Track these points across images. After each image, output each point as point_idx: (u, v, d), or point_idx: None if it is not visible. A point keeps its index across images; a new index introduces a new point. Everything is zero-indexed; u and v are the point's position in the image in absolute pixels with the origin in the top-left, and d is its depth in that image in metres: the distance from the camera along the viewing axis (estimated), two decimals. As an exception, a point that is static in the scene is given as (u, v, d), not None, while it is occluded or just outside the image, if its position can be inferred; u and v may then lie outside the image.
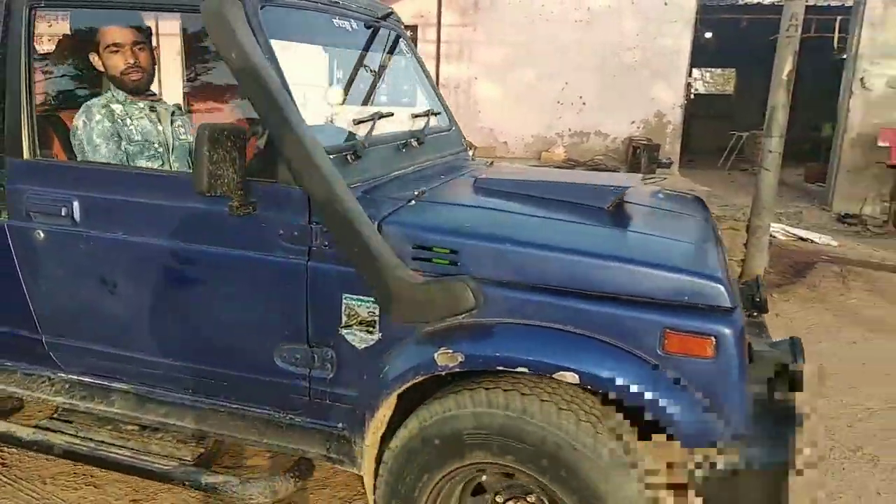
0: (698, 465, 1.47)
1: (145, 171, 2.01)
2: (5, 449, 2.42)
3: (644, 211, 2.05)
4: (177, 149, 2.24)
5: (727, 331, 1.45)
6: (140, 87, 2.14)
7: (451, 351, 1.55)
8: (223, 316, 1.84)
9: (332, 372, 1.75)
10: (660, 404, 1.45)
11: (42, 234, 1.92)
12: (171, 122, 2.24)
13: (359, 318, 1.69)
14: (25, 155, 1.93)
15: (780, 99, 4.55)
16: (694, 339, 1.47)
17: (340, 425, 1.80)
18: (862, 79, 8.27)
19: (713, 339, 1.45)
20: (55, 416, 2.11)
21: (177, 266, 1.84)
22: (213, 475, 1.88)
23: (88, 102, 2.11)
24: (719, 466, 1.46)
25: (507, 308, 1.57)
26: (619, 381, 1.46)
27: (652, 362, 1.48)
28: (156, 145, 2.15)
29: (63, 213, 1.88)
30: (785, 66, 4.47)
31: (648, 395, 1.45)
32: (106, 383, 2.02)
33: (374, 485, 1.75)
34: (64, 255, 1.93)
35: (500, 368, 1.55)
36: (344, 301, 1.69)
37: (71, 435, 2.02)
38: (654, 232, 1.86)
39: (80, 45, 2.30)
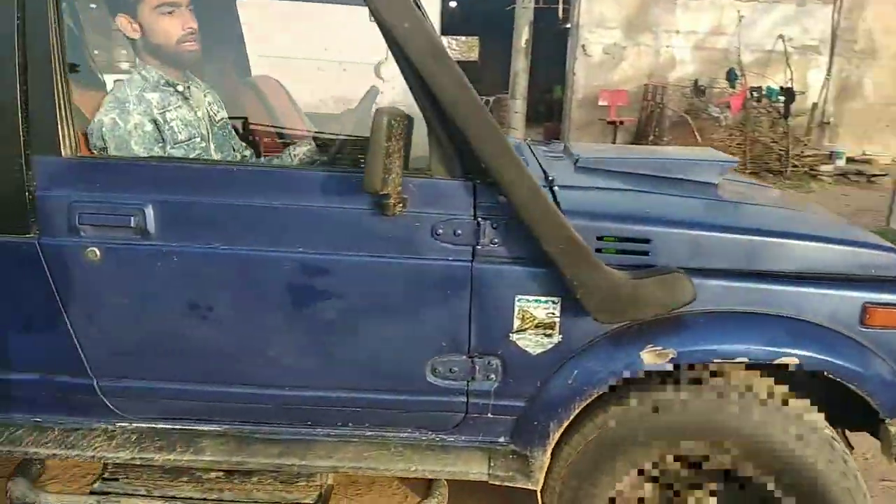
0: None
1: (252, 168, 1.63)
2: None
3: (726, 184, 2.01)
4: (216, 136, 1.84)
5: None
6: (193, 63, 1.71)
7: (660, 348, 1.45)
8: (360, 332, 1.55)
9: (496, 382, 1.57)
10: (868, 379, 1.48)
11: (98, 253, 1.48)
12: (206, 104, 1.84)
13: (535, 322, 1.52)
14: (65, 151, 1.47)
15: (520, 64, 4.91)
16: (889, 311, 1.50)
17: (503, 440, 1.63)
18: (583, 46, 9.41)
19: None
20: (108, 475, 1.69)
21: (299, 279, 1.51)
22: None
23: (117, 92, 1.66)
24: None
25: (701, 297, 1.49)
26: (837, 361, 1.45)
27: (855, 339, 1.49)
28: (198, 140, 1.74)
29: (132, 224, 1.47)
30: (522, 34, 4.79)
31: (860, 372, 1.47)
32: (191, 427, 1.64)
33: (543, 495, 1.62)
34: (131, 276, 1.52)
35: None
36: (517, 304, 1.51)
37: (147, 496, 1.63)
38: (781, 206, 1.88)
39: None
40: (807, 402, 1.51)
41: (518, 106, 4.40)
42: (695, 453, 1.51)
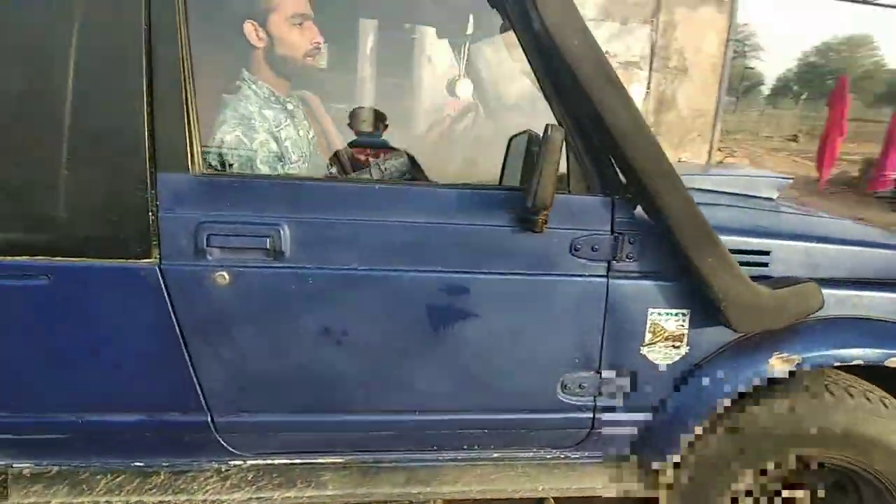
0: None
1: (392, 186, 1.57)
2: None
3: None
4: (312, 154, 1.78)
5: None
6: (313, 76, 1.66)
7: (786, 354, 1.53)
8: (495, 351, 1.53)
9: (624, 397, 1.59)
10: None
11: (227, 277, 1.39)
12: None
13: (665, 334, 1.56)
14: (194, 168, 1.37)
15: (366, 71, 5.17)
16: None
17: (627, 452, 1.65)
18: (429, 56, 10.13)
19: None
20: (210, 518, 1.56)
21: (436, 299, 1.48)
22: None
23: (237, 107, 1.58)
24: None
25: None
26: None
27: None
28: (301, 161, 1.68)
29: (267, 245, 1.39)
30: (367, 41, 5.07)
31: None
32: (311, 461, 1.55)
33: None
34: (261, 300, 1.43)
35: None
36: (649, 317, 1.55)
37: None
38: (839, 218, 2.04)
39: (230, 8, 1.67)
40: None
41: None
42: (813, 454, 1.60)
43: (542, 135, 1.31)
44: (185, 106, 1.35)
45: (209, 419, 1.47)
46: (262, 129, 1.55)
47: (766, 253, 1.58)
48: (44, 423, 1.44)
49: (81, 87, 1.30)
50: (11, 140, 1.31)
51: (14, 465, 1.47)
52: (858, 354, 1.57)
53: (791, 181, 2.19)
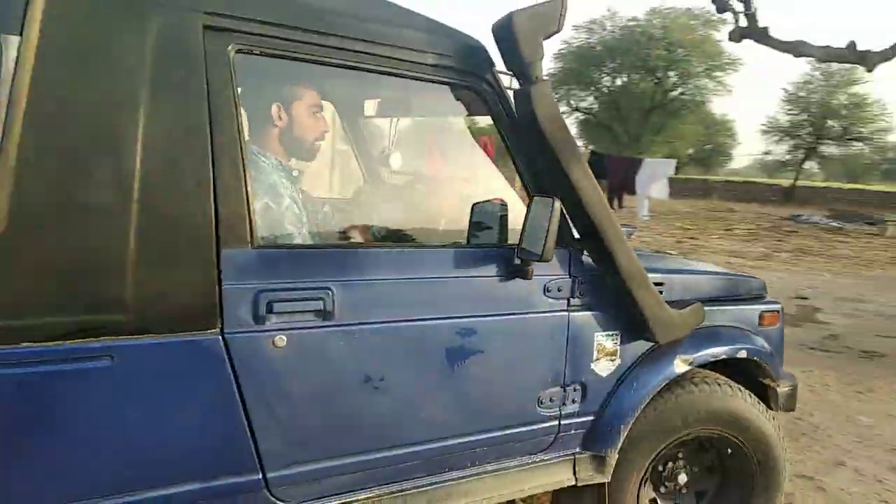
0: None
1: (420, 249, 1.80)
2: None
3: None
4: (308, 223, 1.93)
5: (779, 307, 2.48)
6: (312, 158, 1.82)
7: (685, 356, 2.11)
8: (495, 379, 1.86)
9: (579, 404, 2.02)
10: (771, 360, 2.38)
11: (284, 340, 1.52)
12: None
13: (606, 351, 2.04)
14: (253, 242, 1.49)
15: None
16: (772, 315, 2.44)
17: (579, 449, 2.07)
18: None
19: (779, 312, 2.46)
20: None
21: (450, 341, 1.76)
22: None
23: (261, 178, 1.69)
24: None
25: None
26: (762, 350, 2.32)
27: (758, 334, 2.39)
28: (300, 225, 1.84)
29: (319, 308, 1.55)
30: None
31: (767, 353, 2.36)
32: (348, 500, 1.69)
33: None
34: (313, 358, 1.57)
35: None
36: (596, 339, 2.01)
37: None
38: (693, 263, 2.75)
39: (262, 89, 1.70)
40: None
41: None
42: (707, 431, 2.21)
43: (532, 205, 1.70)
44: (244, 185, 1.47)
45: (261, 476, 1.55)
46: (285, 194, 1.69)
47: (662, 284, 2.16)
48: None
49: (150, 173, 1.36)
50: (80, 224, 1.31)
51: None
52: (722, 351, 2.22)
53: (636, 230, 2.88)
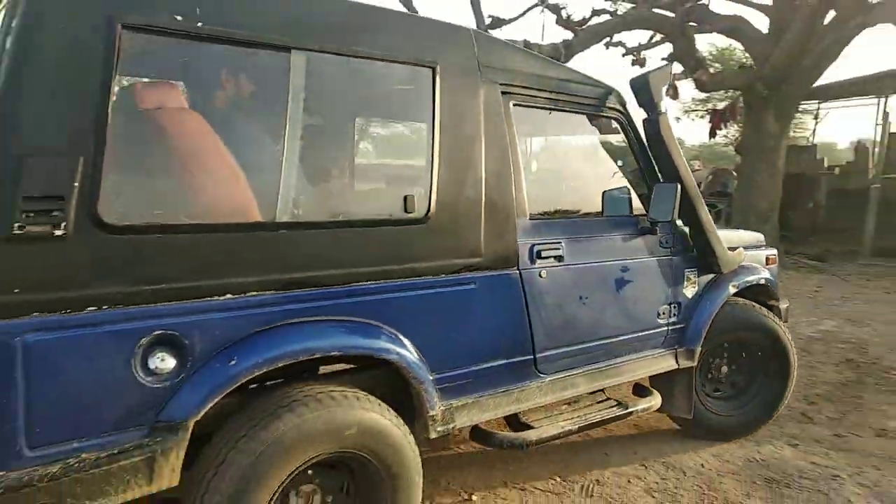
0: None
1: (601, 219, 2.88)
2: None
3: None
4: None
5: (776, 252, 3.75)
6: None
7: (735, 282, 3.32)
8: (640, 297, 2.97)
9: (677, 316, 3.17)
10: (776, 287, 3.63)
11: (545, 273, 2.58)
12: None
13: (691, 281, 3.20)
14: (527, 215, 2.54)
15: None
16: (773, 257, 3.71)
17: (677, 346, 3.22)
18: None
19: (776, 255, 3.73)
20: (526, 419, 2.66)
21: (622, 274, 2.87)
22: (635, 404, 2.99)
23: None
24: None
25: None
26: (772, 279, 3.57)
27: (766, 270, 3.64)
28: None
29: (558, 254, 2.62)
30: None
31: (775, 283, 3.60)
32: (568, 374, 2.74)
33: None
34: (558, 284, 2.63)
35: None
36: (686, 273, 3.17)
37: (567, 419, 2.71)
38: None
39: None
40: None
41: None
42: (744, 335, 3.42)
43: (656, 188, 2.84)
44: (523, 184, 2.52)
45: (534, 357, 2.60)
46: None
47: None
48: (458, 373, 2.37)
49: (488, 179, 2.39)
50: (463, 211, 2.32)
51: (452, 402, 2.36)
52: (754, 279, 3.44)
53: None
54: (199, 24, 1.77)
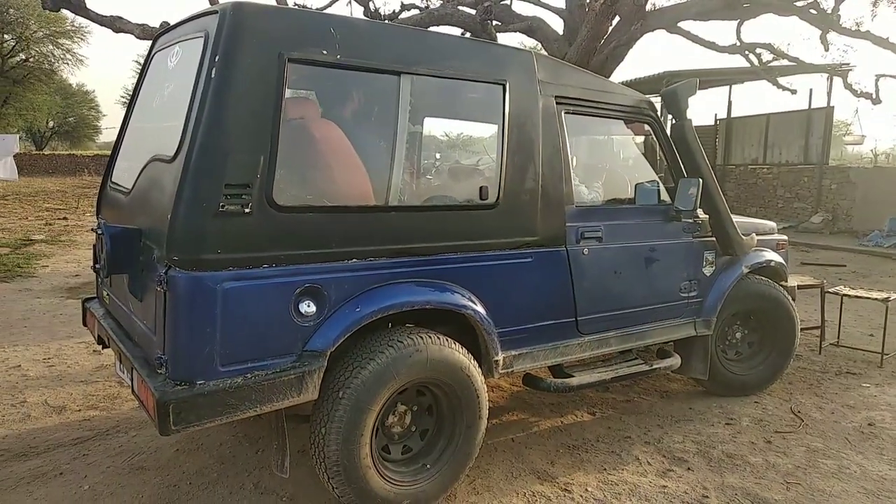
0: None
1: (632, 207, 3.47)
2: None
3: None
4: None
5: (786, 238, 4.28)
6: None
7: (747, 264, 3.86)
8: (666, 274, 3.54)
9: (695, 291, 3.73)
10: (784, 269, 4.17)
11: (587, 251, 3.16)
12: None
13: (709, 262, 3.76)
14: (575, 202, 3.12)
15: None
16: (783, 242, 4.25)
17: (694, 317, 3.77)
18: None
19: (786, 241, 4.26)
20: (569, 370, 3.26)
21: (650, 254, 3.44)
22: (658, 363, 3.57)
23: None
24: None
25: None
26: (781, 262, 4.11)
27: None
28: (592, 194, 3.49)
29: (598, 236, 3.20)
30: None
31: (783, 266, 4.14)
32: (603, 335, 3.32)
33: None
34: (598, 260, 3.21)
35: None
36: (704, 255, 3.73)
37: (601, 371, 3.30)
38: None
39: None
40: None
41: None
42: (756, 305, 3.97)
43: (680, 182, 3.40)
44: (571, 177, 3.09)
45: (575, 318, 3.18)
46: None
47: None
48: (516, 329, 2.96)
49: (544, 173, 2.97)
50: (525, 199, 2.90)
51: (511, 352, 2.96)
52: (764, 261, 3.99)
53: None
54: (339, 56, 2.38)
